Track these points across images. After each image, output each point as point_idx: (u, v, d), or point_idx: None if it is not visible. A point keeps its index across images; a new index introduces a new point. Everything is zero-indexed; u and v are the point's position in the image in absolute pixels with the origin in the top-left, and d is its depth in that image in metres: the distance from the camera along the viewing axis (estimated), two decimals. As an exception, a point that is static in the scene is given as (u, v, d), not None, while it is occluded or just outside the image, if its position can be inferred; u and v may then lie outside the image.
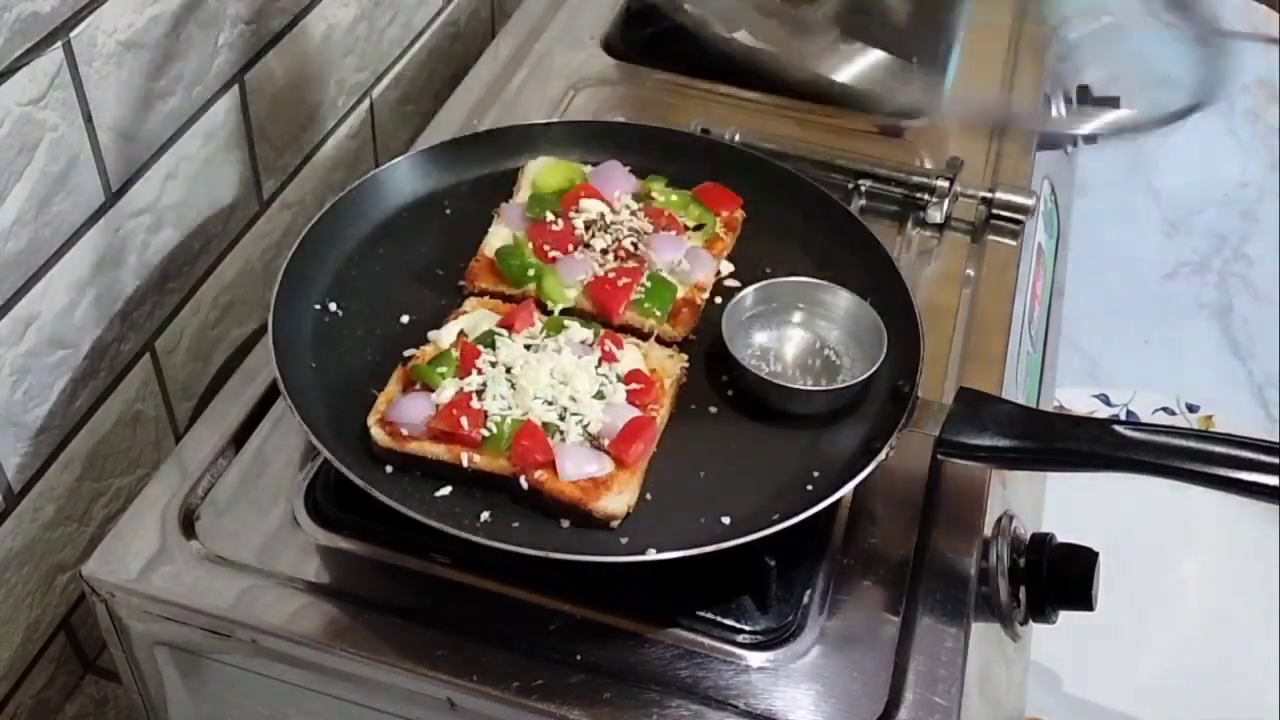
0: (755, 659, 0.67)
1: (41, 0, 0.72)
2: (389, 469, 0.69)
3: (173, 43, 0.85)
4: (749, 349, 0.76)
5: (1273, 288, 1.27)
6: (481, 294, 0.79)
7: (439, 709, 0.66)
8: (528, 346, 0.72)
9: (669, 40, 1.11)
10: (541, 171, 0.85)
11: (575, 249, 0.80)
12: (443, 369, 0.71)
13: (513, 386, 0.70)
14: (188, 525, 0.72)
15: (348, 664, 0.67)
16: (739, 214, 0.85)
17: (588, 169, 0.86)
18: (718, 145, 0.92)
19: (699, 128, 0.97)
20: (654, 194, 0.84)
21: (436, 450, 0.68)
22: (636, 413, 0.70)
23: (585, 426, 0.69)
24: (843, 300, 0.77)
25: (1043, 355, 1.01)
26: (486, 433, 0.68)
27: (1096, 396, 0.78)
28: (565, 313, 0.77)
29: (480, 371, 0.70)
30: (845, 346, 0.76)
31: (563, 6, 1.15)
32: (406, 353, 0.74)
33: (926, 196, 0.93)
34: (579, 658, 0.66)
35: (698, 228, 0.83)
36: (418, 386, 0.71)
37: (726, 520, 0.68)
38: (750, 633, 0.68)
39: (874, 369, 0.72)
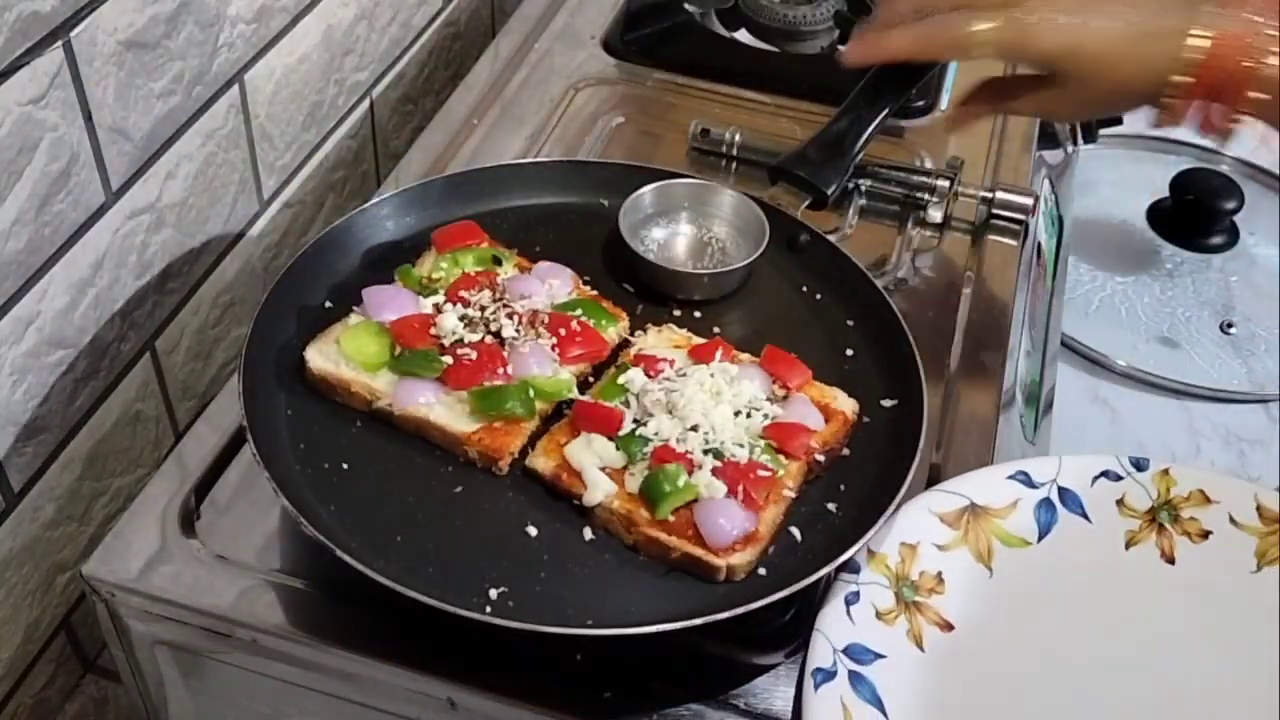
0: (755, 659, 0.67)
1: (41, 0, 0.72)
2: None
3: (173, 43, 0.85)
4: (650, 241, 0.85)
5: (1273, 287, 1.27)
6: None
7: (439, 709, 0.66)
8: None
9: (669, 40, 1.11)
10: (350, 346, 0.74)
11: (510, 351, 0.74)
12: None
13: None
14: (188, 525, 0.72)
15: (348, 664, 0.67)
16: None
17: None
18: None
19: (699, 128, 0.97)
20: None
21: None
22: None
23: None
24: (728, 198, 0.85)
25: (1043, 355, 1.01)
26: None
27: (1013, 478, 0.74)
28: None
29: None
30: (731, 239, 0.85)
31: (563, 6, 1.15)
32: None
33: (927, 196, 0.93)
34: (579, 657, 0.66)
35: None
36: None
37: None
38: (750, 632, 0.68)
39: (759, 252, 0.81)
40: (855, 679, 0.64)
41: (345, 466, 0.69)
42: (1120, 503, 0.73)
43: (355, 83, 1.11)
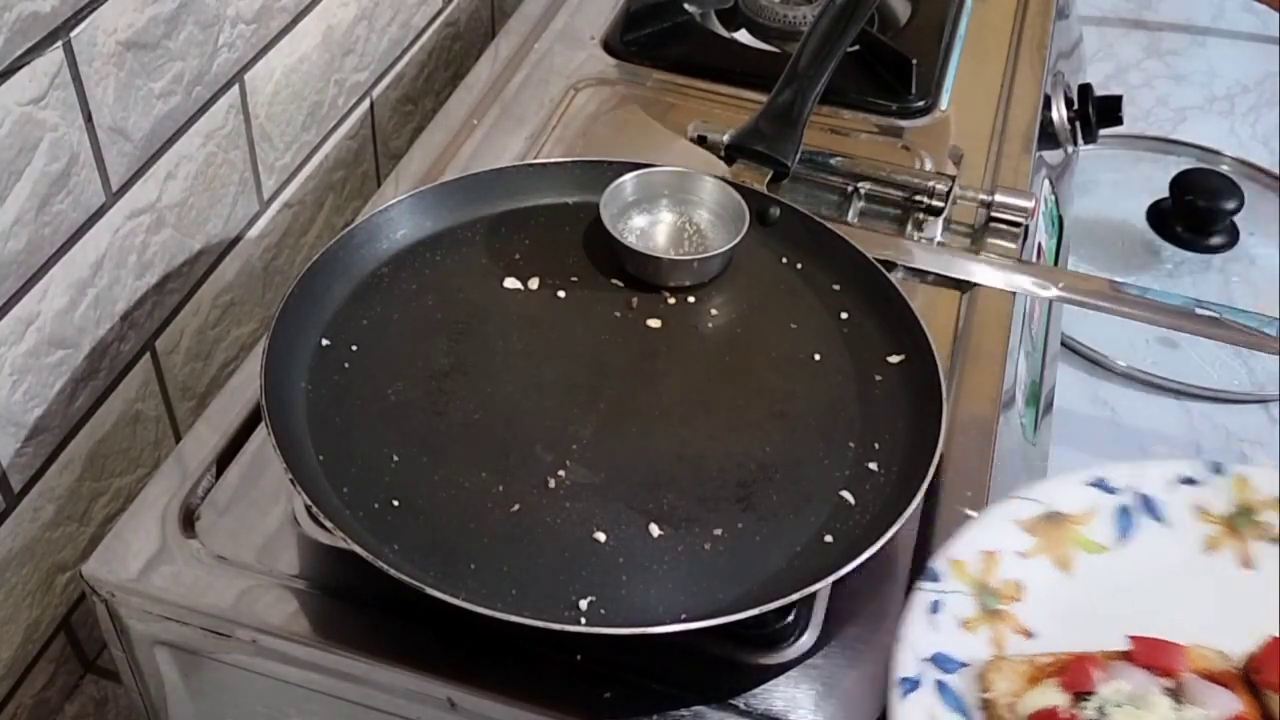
0: (755, 659, 0.67)
1: (41, 0, 0.72)
2: None
3: (173, 43, 0.85)
4: (629, 232, 0.84)
5: (1273, 287, 1.27)
6: None
7: (439, 709, 0.67)
8: None
9: (669, 40, 1.11)
10: None
11: None
12: None
13: None
14: (188, 525, 0.72)
15: (348, 664, 0.67)
16: None
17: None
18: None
19: (695, 134, 0.97)
20: None
21: None
22: None
23: None
24: (707, 184, 0.86)
25: (1043, 355, 1.01)
26: None
27: (1093, 485, 0.71)
28: None
29: None
30: (709, 223, 0.86)
31: (563, 6, 1.15)
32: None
33: (926, 198, 0.93)
34: (579, 657, 0.66)
35: None
36: None
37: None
38: (750, 632, 0.68)
39: (744, 233, 0.82)
40: (941, 688, 0.63)
41: (396, 504, 0.68)
42: (1199, 508, 0.72)
43: (355, 83, 1.11)
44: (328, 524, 0.64)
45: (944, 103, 1.05)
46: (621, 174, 0.85)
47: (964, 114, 1.05)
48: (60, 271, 0.81)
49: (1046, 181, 1.09)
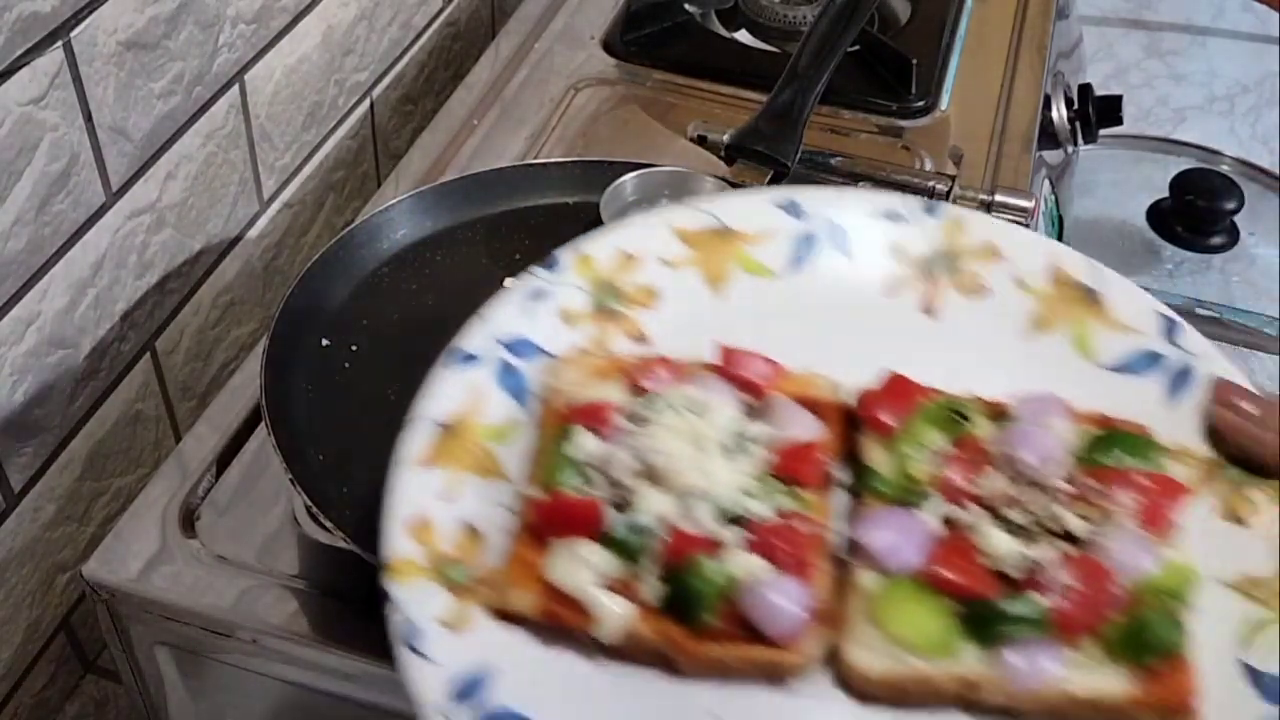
0: (755, 659, 0.67)
1: (41, 0, 0.72)
2: None
3: (173, 43, 0.85)
4: None
5: (1273, 287, 1.27)
6: None
7: (439, 709, 0.66)
8: None
9: (669, 40, 1.11)
10: None
11: (1100, 554, 0.52)
12: None
13: None
14: (188, 525, 0.72)
15: (348, 664, 0.67)
16: None
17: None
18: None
19: (696, 133, 0.97)
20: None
21: None
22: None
23: None
24: (708, 185, 0.86)
25: (1042, 355, 1.01)
26: None
27: (781, 207, 0.63)
28: None
29: None
30: None
31: (563, 6, 1.15)
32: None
33: (926, 199, 0.93)
34: (579, 658, 0.66)
35: None
36: None
37: None
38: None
39: None
40: (505, 369, 0.58)
41: None
42: (895, 247, 0.64)
43: (355, 83, 1.11)
44: (328, 524, 0.64)
45: (944, 103, 1.05)
46: (621, 174, 0.85)
47: (964, 114, 1.05)
48: (60, 271, 0.81)
49: (1046, 181, 1.09)
